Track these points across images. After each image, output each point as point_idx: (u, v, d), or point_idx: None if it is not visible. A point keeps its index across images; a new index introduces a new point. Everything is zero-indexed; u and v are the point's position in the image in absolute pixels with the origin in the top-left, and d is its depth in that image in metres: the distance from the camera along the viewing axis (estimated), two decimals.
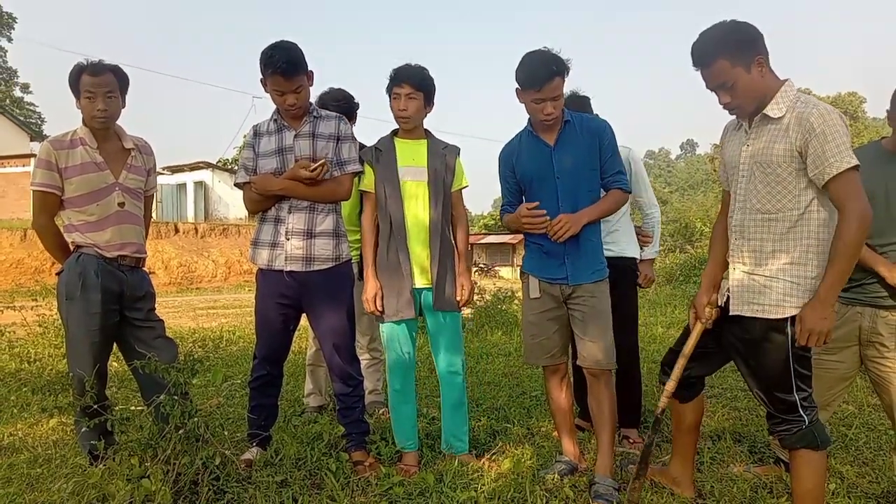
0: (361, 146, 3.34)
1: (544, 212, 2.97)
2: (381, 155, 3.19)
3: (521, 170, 3.13)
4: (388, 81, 3.18)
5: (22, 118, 39.97)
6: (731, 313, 2.39)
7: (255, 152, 3.07)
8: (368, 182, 3.20)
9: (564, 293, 3.06)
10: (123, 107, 3.10)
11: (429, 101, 3.21)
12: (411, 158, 3.19)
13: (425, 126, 3.29)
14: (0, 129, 33.22)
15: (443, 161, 3.21)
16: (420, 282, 3.16)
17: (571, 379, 3.46)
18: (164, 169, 32.04)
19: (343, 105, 3.74)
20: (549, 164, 3.03)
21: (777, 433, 2.38)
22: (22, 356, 5.54)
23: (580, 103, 3.71)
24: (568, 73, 2.94)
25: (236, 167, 35.42)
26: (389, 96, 3.18)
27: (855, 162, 2.12)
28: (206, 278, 24.46)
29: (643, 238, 3.81)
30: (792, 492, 2.39)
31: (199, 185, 31.75)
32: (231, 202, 32.61)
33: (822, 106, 2.21)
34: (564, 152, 3.02)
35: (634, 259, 3.69)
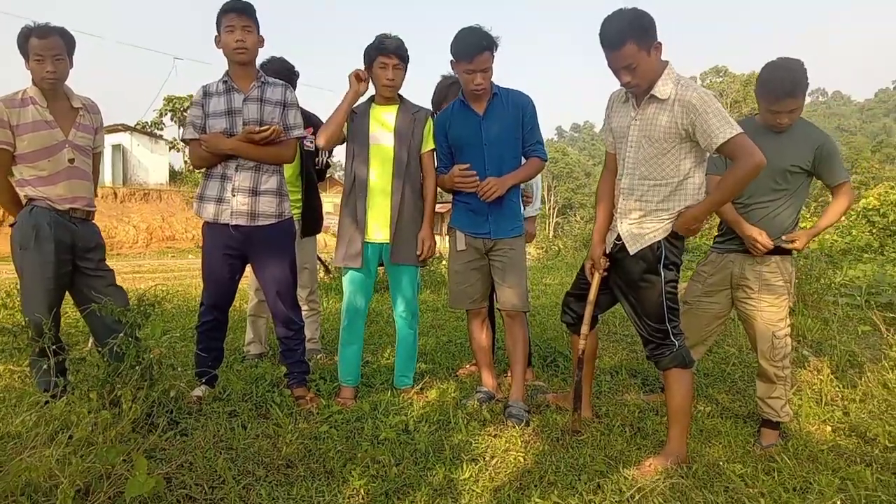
0: (304, 113, 3.60)
1: (475, 173, 3.33)
2: (356, 118, 3.44)
3: (452, 135, 3.47)
4: (372, 50, 3.34)
5: None
6: (630, 253, 2.81)
7: (205, 112, 3.28)
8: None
9: (487, 246, 3.46)
10: (71, 67, 3.27)
11: (406, 71, 3.45)
12: (382, 123, 3.43)
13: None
14: None
15: (411, 125, 3.43)
16: (379, 237, 3.43)
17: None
18: None
19: (284, 75, 3.96)
20: (479, 132, 3.39)
21: (654, 357, 2.85)
22: None
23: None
24: (496, 48, 3.29)
25: (156, 130, 34.05)
26: (372, 64, 3.35)
27: (737, 130, 2.53)
28: (127, 244, 23.93)
29: (525, 198, 4.13)
30: (666, 406, 2.88)
31: (118, 148, 30.70)
32: (151, 167, 31.64)
33: (699, 88, 2.64)
34: (492, 122, 3.39)
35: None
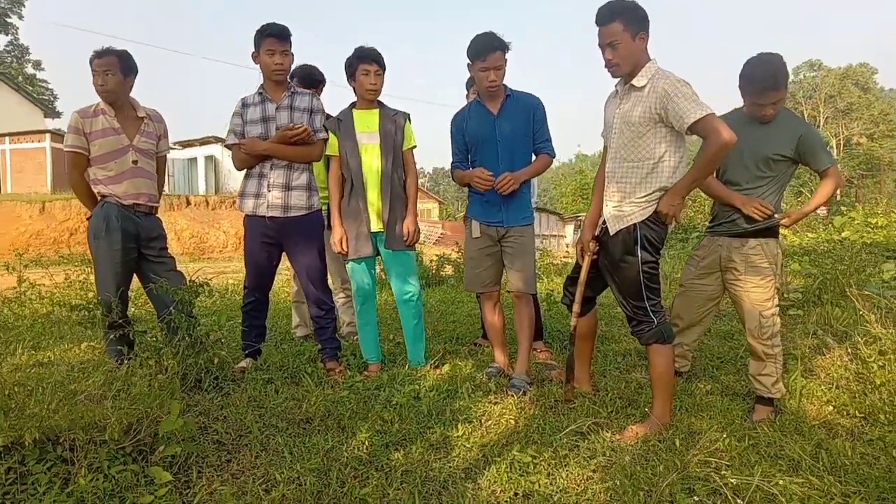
0: (328, 117, 4.03)
1: (492, 174, 3.66)
2: (342, 124, 3.87)
3: (469, 132, 3.81)
4: (353, 59, 3.78)
5: (35, 95, 40.81)
6: (611, 233, 3.08)
7: (243, 120, 3.77)
8: (333, 147, 3.89)
9: (499, 234, 3.79)
10: (128, 83, 3.76)
11: (384, 78, 3.87)
12: (366, 125, 3.85)
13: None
14: (15, 105, 34.03)
15: (393, 124, 3.85)
16: (375, 225, 3.84)
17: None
18: (175, 144, 32.81)
19: (307, 77, 4.47)
20: (493, 129, 3.73)
21: (636, 332, 3.10)
22: (53, 303, 6.34)
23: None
24: (508, 50, 3.63)
25: None
26: (354, 72, 3.79)
27: (706, 112, 2.76)
28: (217, 248, 25.31)
29: None
30: (650, 376, 3.12)
31: (209, 159, 32.48)
32: (240, 176, 33.23)
33: (673, 76, 2.89)
34: (505, 120, 3.72)
35: None
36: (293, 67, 4.56)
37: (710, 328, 5.09)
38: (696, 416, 3.26)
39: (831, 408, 3.45)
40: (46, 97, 49.22)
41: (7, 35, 49.79)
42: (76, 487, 2.31)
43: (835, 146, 50.43)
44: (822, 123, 54.13)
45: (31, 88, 43.94)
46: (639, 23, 2.92)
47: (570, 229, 43.99)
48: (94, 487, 2.33)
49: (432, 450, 2.85)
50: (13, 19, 48.24)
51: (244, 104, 3.81)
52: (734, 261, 3.36)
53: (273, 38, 3.64)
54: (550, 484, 2.54)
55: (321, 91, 4.65)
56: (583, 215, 39.10)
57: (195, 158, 32.43)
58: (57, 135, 29.59)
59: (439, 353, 4.27)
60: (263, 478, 2.56)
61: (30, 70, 51.33)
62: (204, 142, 32.54)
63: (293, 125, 3.65)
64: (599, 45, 3.01)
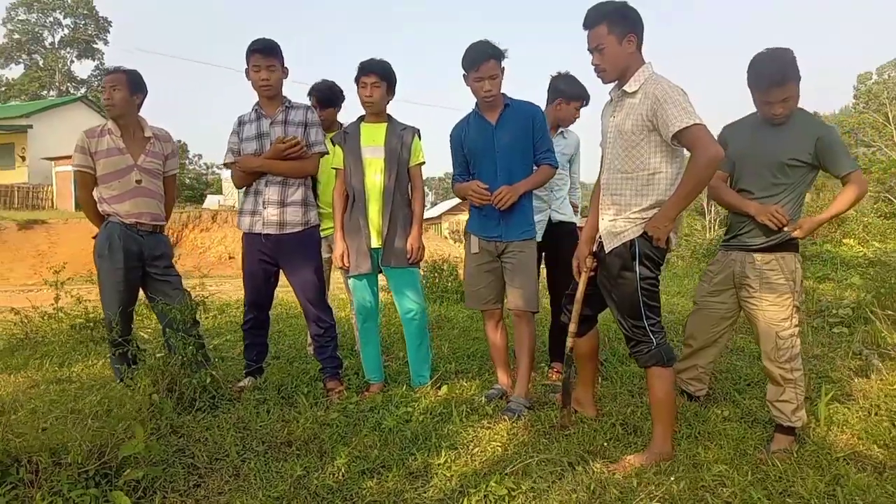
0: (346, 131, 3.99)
1: (488, 189, 3.53)
2: (348, 137, 3.80)
3: (468, 144, 3.68)
4: (356, 74, 3.73)
5: None
6: (606, 251, 2.88)
7: (239, 137, 3.76)
8: (338, 160, 3.83)
9: (499, 249, 3.63)
10: (135, 101, 3.81)
11: (391, 90, 3.79)
12: (372, 139, 3.76)
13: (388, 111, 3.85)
14: None
15: (399, 140, 3.75)
16: (375, 242, 3.74)
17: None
18: None
19: (326, 93, 4.40)
20: (491, 140, 3.58)
21: (634, 354, 2.88)
22: (91, 318, 6.52)
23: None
24: (503, 58, 3.50)
25: None
26: (357, 85, 3.74)
27: (694, 121, 2.56)
28: None
29: (577, 208, 4.48)
30: (649, 404, 2.89)
31: None
32: None
33: (665, 82, 2.69)
34: (504, 131, 3.57)
35: (575, 224, 4.24)
36: (312, 84, 4.56)
37: (742, 347, 4.76)
38: (704, 445, 3.00)
39: (864, 437, 3.14)
40: None
41: (94, 60, 52.79)
42: None
43: None
44: None
45: None
46: (626, 25, 2.74)
47: None
48: None
49: (409, 478, 2.71)
50: (99, 45, 51.11)
51: (240, 122, 3.80)
52: (748, 276, 3.10)
53: (258, 53, 3.62)
54: None
55: (340, 108, 4.60)
56: None
57: None
58: None
59: (448, 373, 4.12)
60: None
61: None
62: None
63: (284, 138, 3.61)
64: (588, 49, 2.84)
